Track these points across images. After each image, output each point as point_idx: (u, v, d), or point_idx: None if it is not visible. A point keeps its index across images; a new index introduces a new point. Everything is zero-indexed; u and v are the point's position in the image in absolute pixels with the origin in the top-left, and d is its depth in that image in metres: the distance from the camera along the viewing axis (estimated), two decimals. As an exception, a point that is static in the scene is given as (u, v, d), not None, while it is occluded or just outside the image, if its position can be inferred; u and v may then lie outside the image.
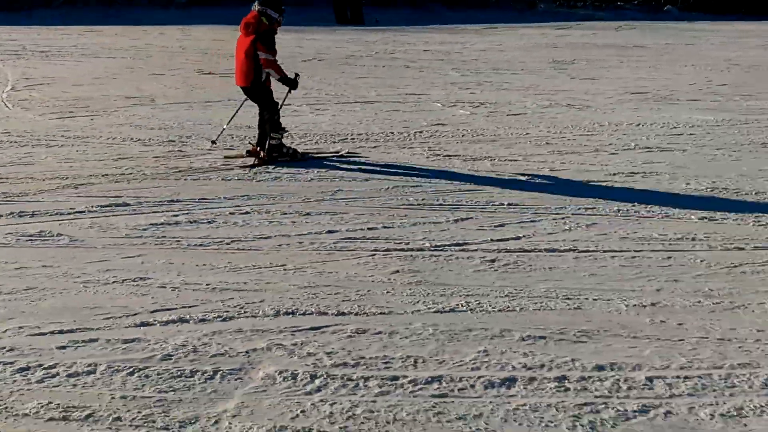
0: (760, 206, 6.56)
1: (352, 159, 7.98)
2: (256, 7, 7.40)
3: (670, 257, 5.38)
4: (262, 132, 7.70)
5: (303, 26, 22.90)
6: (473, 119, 10.21)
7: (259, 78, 7.38)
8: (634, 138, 9.15)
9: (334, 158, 7.93)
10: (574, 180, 7.34)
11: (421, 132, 9.23)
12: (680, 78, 14.15)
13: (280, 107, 7.75)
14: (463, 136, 9.19)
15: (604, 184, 7.23)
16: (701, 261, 5.31)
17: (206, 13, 26.48)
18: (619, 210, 6.41)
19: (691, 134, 9.36)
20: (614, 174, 7.54)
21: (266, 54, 7.25)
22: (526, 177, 7.41)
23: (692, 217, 6.26)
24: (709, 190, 7.06)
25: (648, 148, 8.65)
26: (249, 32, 7.32)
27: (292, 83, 7.59)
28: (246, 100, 7.80)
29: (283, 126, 7.69)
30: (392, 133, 9.24)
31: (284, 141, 7.68)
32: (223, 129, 8.15)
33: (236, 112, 8.16)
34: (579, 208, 6.43)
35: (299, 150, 7.93)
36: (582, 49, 18.93)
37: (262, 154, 7.53)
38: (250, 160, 7.50)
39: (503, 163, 7.99)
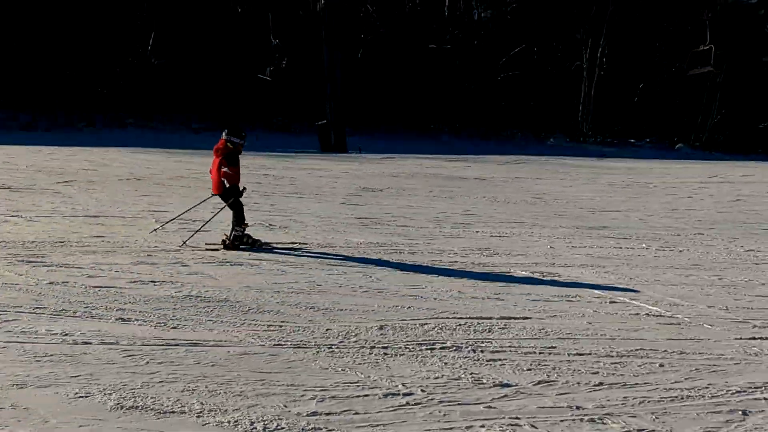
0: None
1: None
2: (224, 135, 9.72)
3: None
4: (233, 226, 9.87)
5: (283, 152, 24.72)
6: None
7: (224, 187, 9.75)
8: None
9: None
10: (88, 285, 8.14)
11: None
12: (444, 206, 14.94)
13: (200, 204, 10.61)
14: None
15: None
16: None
17: (201, 138, 28.00)
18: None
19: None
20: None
21: (226, 168, 9.52)
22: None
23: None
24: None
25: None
26: (218, 155, 9.64)
27: (235, 193, 9.71)
28: (206, 200, 10.75)
29: (246, 222, 9.75)
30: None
31: (247, 232, 9.80)
32: (170, 220, 10.69)
33: (193, 207, 10.86)
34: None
35: (261, 241, 9.99)
36: (418, 179, 19.90)
37: (227, 241, 9.70)
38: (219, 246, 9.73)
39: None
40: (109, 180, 17.25)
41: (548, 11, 52.60)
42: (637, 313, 7.54)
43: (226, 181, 9.60)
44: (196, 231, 10.12)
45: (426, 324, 7.05)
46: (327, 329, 6.89)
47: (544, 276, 9.07)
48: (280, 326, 6.97)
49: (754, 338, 6.78)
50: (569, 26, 53.73)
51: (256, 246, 9.74)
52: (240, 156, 9.82)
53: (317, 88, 37.78)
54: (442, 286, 8.63)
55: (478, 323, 7.09)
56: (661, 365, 6.04)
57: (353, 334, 6.76)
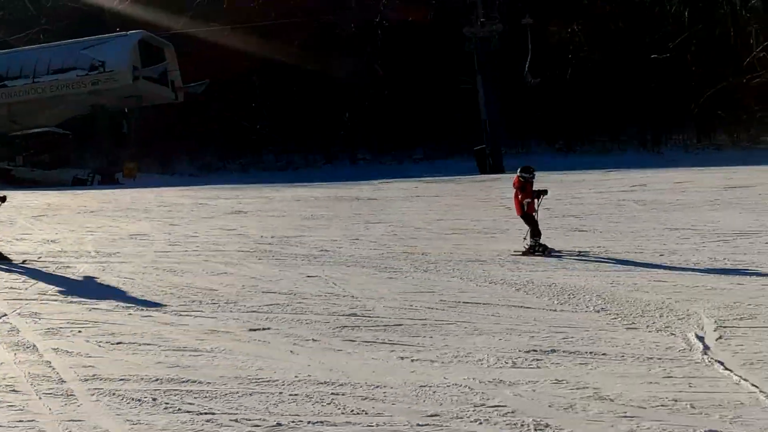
0: None
1: None
2: (518, 173, 12.04)
3: None
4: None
5: (443, 176, 28.86)
6: None
7: (523, 210, 11.92)
8: None
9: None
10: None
11: None
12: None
13: (536, 212, 11.87)
14: None
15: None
16: None
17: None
18: None
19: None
20: None
21: (521, 195, 11.88)
22: None
23: None
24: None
25: None
26: (515, 187, 12.03)
27: (543, 192, 11.98)
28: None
29: (540, 234, 11.61)
30: None
31: (540, 242, 11.58)
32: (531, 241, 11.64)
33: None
34: None
35: (552, 249, 11.54)
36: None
37: (524, 249, 11.62)
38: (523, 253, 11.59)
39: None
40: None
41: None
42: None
43: (530, 201, 11.80)
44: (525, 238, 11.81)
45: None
46: None
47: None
48: None
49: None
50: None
51: (546, 253, 11.37)
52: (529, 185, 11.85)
53: (474, 116, 41.03)
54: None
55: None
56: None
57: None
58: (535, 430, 4.50)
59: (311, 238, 13.63)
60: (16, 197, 20.61)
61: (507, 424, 4.59)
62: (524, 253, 11.47)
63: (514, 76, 44.87)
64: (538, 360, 5.85)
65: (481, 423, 4.64)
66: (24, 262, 11.66)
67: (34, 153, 43.28)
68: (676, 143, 53.97)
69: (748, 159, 39.15)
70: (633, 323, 6.94)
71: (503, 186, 22.23)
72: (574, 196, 18.22)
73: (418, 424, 4.67)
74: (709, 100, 51.62)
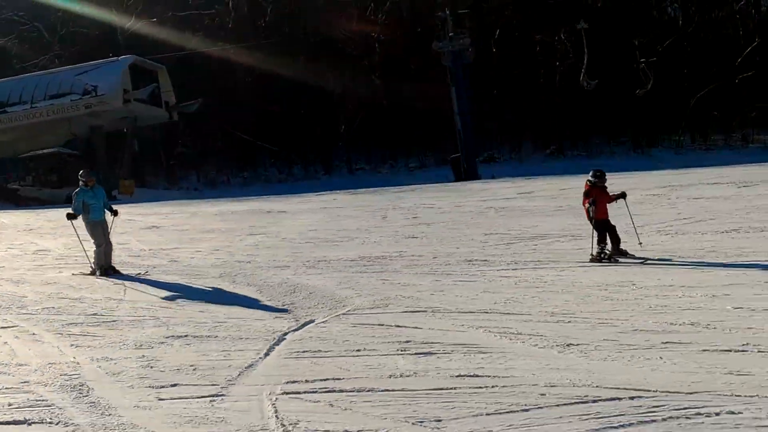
0: None
1: None
2: (589, 177, 11.77)
3: None
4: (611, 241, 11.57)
5: (420, 184, 30.85)
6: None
7: (590, 216, 11.63)
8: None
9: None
10: None
11: None
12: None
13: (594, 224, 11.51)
14: None
15: None
16: None
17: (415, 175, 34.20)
18: None
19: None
20: None
21: (585, 199, 11.71)
22: None
23: None
24: None
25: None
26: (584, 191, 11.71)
27: (622, 196, 11.83)
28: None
29: (607, 241, 11.46)
30: None
31: (606, 249, 11.45)
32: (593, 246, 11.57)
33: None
34: None
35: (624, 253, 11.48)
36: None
37: (593, 255, 11.39)
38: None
39: None
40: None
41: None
42: None
43: (590, 213, 11.53)
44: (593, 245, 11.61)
45: None
46: None
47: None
48: None
49: None
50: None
51: (611, 259, 11.30)
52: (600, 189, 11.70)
53: (449, 125, 42.70)
54: None
55: None
56: None
57: None
58: (72, 387, 6.26)
59: (181, 251, 15.49)
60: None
61: (60, 385, 6.34)
62: (593, 260, 11.34)
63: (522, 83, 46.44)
64: (163, 343, 7.59)
65: (46, 386, 6.41)
66: (146, 273, 12.71)
67: (43, 173, 46.04)
68: (669, 145, 54.91)
69: (729, 159, 40.01)
70: (288, 313, 8.65)
71: (420, 195, 23.95)
72: (456, 204, 19.80)
73: (6, 387, 6.46)
74: (702, 101, 52.47)
